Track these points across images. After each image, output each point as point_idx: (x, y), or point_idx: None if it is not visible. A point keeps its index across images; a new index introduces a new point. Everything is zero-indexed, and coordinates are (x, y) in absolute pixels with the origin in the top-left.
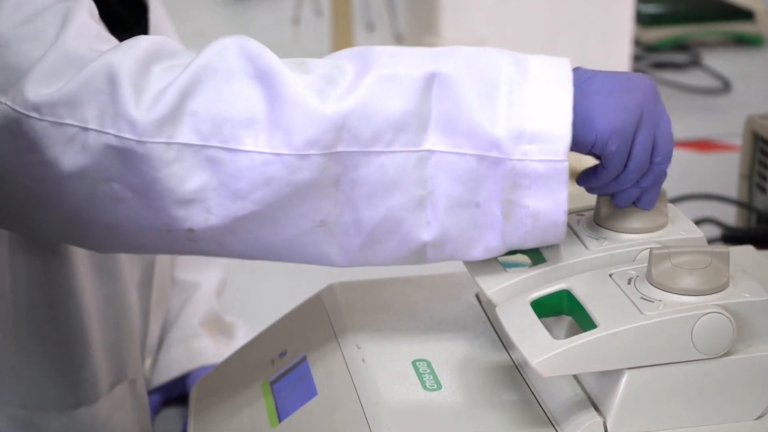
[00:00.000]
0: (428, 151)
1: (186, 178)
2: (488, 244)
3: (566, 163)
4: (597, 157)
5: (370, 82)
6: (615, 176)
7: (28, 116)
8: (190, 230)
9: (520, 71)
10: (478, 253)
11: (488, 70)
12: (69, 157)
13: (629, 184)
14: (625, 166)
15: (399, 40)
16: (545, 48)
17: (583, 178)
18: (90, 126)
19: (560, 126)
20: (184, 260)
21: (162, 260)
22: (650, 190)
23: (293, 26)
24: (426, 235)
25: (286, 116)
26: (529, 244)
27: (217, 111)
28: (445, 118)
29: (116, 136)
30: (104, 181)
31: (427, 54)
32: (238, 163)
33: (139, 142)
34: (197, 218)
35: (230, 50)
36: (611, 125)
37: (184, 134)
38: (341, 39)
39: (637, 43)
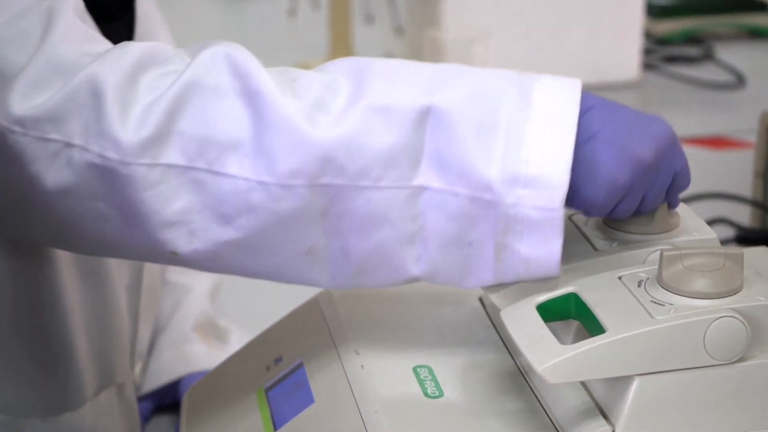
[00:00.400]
0: (420, 187)
1: (171, 199)
2: (482, 279)
3: (561, 212)
4: None
5: (360, 113)
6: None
7: (12, 131)
8: (174, 253)
9: (523, 104)
10: (471, 285)
11: (488, 104)
12: (53, 174)
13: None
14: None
15: (399, 33)
16: (552, 42)
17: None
18: (74, 142)
19: (558, 172)
20: None
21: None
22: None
23: (290, 18)
24: (416, 269)
25: (271, 142)
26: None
27: (204, 132)
28: (439, 156)
29: (100, 155)
30: (88, 199)
31: (427, 78)
32: (223, 187)
33: (122, 162)
34: (181, 241)
35: (219, 64)
36: (624, 182)
37: (170, 155)
38: (339, 32)
39: (648, 36)
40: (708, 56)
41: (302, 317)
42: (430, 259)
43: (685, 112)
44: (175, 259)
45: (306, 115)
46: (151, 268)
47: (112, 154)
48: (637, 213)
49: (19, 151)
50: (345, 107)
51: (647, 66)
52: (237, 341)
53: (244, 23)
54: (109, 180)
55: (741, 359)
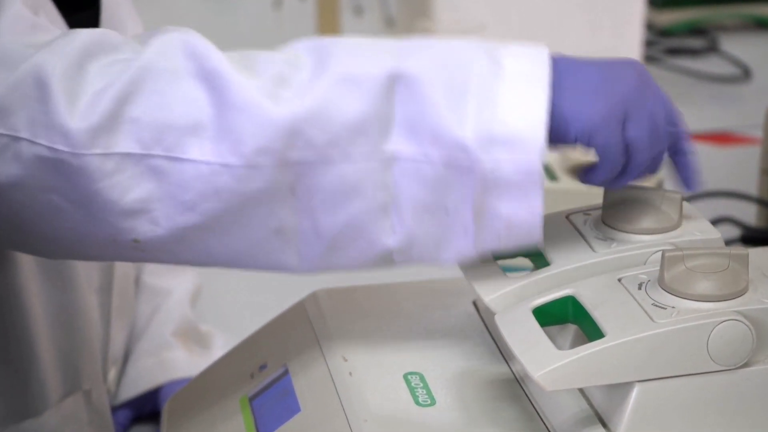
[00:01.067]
0: (391, 155)
1: (129, 188)
2: (459, 249)
3: (540, 167)
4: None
5: (325, 83)
6: (618, 171)
7: None
8: (136, 241)
9: (493, 68)
10: (447, 257)
11: (457, 68)
12: (1, 168)
13: (637, 175)
14: (629, 159)
15: (390, 24)
16: (551, 34)
17: (585, 174)
18: (21, 135)
19: (533, 129)
20: (153, 264)
21: (124, 263)
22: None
23: (275, 11)
24: (391, 241)
25: (233, 122)
26: (504, 249)
27: (160, 117)
28: (409, 122)
29: (49, 148)
30: (41, 192)
31: (391, 49)
32: (184, 173)
33: (73, 154)
34: (143, 229)
35: (174, 48)
36: (590, 122)
37: (124, 143)
38: (327, 24)
39: (650, 27)
40: (712, 48)
41: (287, 322)
42: (405, 229)
43: (689, 107)
44: (137, 248)
45: (267, 92)
46: (123, 269)
47: (61, 146)
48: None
49: None
50: (308, 80)
51: (649, 58)
52: (220, 347)
53: (227, 15)
54: (62, 172)
55: (746, 364)
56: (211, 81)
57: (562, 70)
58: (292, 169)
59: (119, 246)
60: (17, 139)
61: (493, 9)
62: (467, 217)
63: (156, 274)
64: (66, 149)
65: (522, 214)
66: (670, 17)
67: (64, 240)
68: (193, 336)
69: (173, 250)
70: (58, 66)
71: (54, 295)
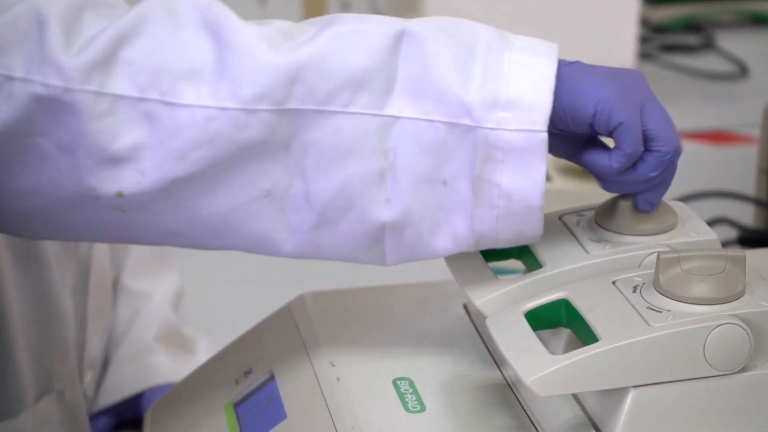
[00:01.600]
0: (392, 116)
1: (119, 133)
2: (455, 230)
3: (545, 135)
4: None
5: (330, 35)
6: (635, 158)
7: None
8: (119, 194)
9: (502, 39)
10: (443, 241)
11: (466, 34)
12: None
13: (655, 171)
14: (646, 150)
15: None
16: (543, 30)
17: (598, 159)
18: (15, 74)
19: (540, 93)
20: (133, 266)
21: (100, 263)
22: (659, 187)
23: (260, 5)
24: (385, 213)
25: (233, 66)
26: (503, 236)
27: (157, 60)
28: (413, 81)
29: (42, 84)
30: (29, 135)
31: (399, 19)
32: (177, 119)
33: (66, 89)
34: (128, 180)
35: (177, 1)
36: (610, 98)
37: (119, 84)
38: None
39: (644, 23)
40: (708, 45)
41: (273, 326)
42: (400, 200)
43: (684, 105)
44: (119, 207)
45: (272, 39)
46: (99, 269)
47: (55, 81)
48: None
49: None
50: (314, 34)
51: (643, 55)
52: (204, 351)
53: None
54: (52, 110)
55: (743, 369)
56: (213, 27)
57: (573, 63)
58: (289, 119)
59: (100, 204)
60: (11, 78)
61: (484, 4)
62: (465, 190)
63: (136, 277)
64: (59, 84)
65: (523, 186)
66: (665, 13)
67: (42, 197)
68: (176, 340)
69: (157, 209)
70: (57, 8)
71: (28, 294)
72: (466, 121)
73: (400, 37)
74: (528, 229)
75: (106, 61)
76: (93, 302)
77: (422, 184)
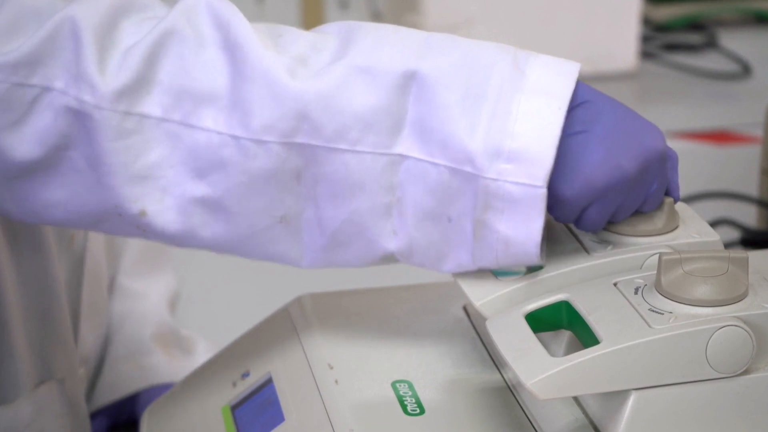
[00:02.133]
0: (399, 155)
1: (143, 151)
2: (459, 260)
3: (544, 191)
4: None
5: (341, 70)
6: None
7: None
8: (143, 213)
9: (515, 78)
10: (449, 267)
11: (478, 73)
12: (31, 120)
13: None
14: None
15: (376, 18)
16: (544, 29)
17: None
18: (55, 85)
19: (544, 148)
20: (128, 265)
21: (94, 259)
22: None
23: (257, 4)
24: (392, 244)
25: (247, 95)
26: (503, 266)
27: (182, 82)
28: (421, 123)
29: (76, 98)
30: (63, 148)
31: (416, 45)
32: (197, 141)
33: (97, 107)
34: (151, 197)
35: (201, 14)
36: (592, 182)
37: (146, 105)
38: (311, 19)
39: (646, 21)
40: (711, 44)
41: (271, 328)
42: (406, 233)
43: (686, 105)
44: (142, 223)
45: (286, 68)
46: (93, 265)
47: (88, 97)
48: (606, 222)
49: None
50: (327, 64)
51: (645, 54)
52: (203, 351)
53: None
54: (83, 125)
55: (746, 371)
56: (232, 52)
57: (590, 103)
58: (297, 152)
59: (123, 220)
60: (50, 89)
61: (483, 2)
62: (467, 230)
63: (131, 276)
64: (92, 101)
65: (520, 236)
66: (668, 12)
67: (67, 211)
68: (173, 340)
69: (178, 232)
70: (92, 19)
71: (26, 281)
72: (469, 169)
73: (410, 77)
74: (526, 263)
75: (139, 82)
76: (86, 297)
77: (427, 220)
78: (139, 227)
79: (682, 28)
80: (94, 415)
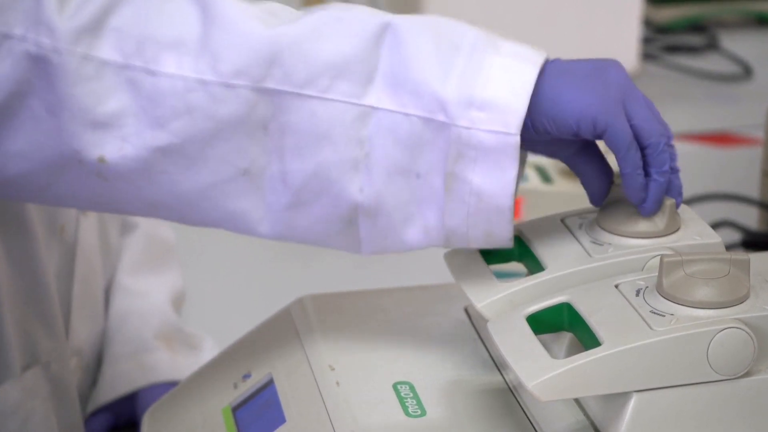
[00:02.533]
0: (370, 107)
1: (103, 98)
2: (426, 221)
3: (517, 138)
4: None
5: (314, 19)
6: (638, 160)
7: None
8: (101, 159)
9: (489, 42)
10: (415, 233)
11: (453, 33)
12: None
13: (662, 164)
14: (645, 149)
15: None
16: (545, 31)
17: (591, 178)
18: (14, 32)
19: (517, 97)
20: (128, 264)
21: (87, 252)
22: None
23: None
24: (358, 201)
25: (216, 40)
26: (473, 234)
27: (143, 29)
28: (393, 73)
29: (35, 43)
30: (23, 96)
31: (389, 13)
32: (159, 86)
33: (55, 50)
34: (111, 146)
35: None
36: (589, 105)
37: (105, 50)
38: None
39: (647, 23)
40: (712, 45)
41: (272, 329)
42: (374, 190)
43: (688, 106)
44: (101, 170)
45: (256, 16)
46: (87, 258)
47: (46, 40)
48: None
49: None
50: (299, 16)
51: (646, 56)
52: (210, 349)
53: None
54: (43, 70)
55: (747, 374)
56: (203, 2)
57: (556, 64)
58: (267, 98)
59: (83, 169)
60: (9, 36)
61: (485, 6)
62: (437, 184)
63: (131, 275)
64: (50, 44)
65: (493, 186)
66: (669, 13)
67: (29, 160)
68: (178, 337)
69: (137, 180)
70: None
71: (13, 264)
72: (441, 118)
73: (384, 28)
74: (497, 231)
75: (96, 25)
76: (78, 289)
77: (396, 175)
78: (100, 175)
79: (683, 29)
80: (94, 414)
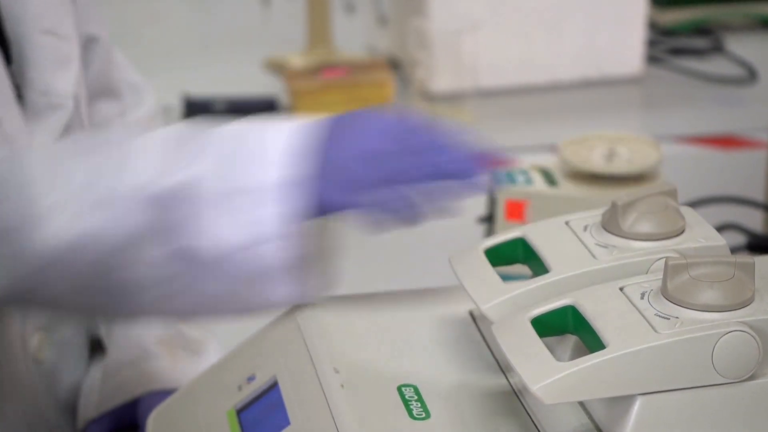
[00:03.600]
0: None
1: None
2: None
3: None
4: None
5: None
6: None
7: None
8: None
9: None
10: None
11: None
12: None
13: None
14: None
15: (382, 22)
16: (549, 33)
17: None
18: None
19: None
20: None
21: None
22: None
23: (263, 7)
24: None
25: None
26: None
27: None
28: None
29: None
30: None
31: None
32: None
33: None
34: None
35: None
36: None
37: None
38: (317, 23)
39: (653, 26)
40: (717, 48)
41: (277, 331)
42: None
43: (693, 109)
44: None
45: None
46: None
47: None
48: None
49: None
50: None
51: (652, 59)
52: (214, 353)
53: (214, 12)
54: None
55: (752, 377)
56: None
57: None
58: None
59: None
60: None
61: (490, 7)
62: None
63: None
64: None
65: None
66: (674, 16)
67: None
68: (179, 343)
69: None
70: None
71: None
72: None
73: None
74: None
75: None
76: None
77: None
78: None
79: (689, 32)
80: (95, 421)
